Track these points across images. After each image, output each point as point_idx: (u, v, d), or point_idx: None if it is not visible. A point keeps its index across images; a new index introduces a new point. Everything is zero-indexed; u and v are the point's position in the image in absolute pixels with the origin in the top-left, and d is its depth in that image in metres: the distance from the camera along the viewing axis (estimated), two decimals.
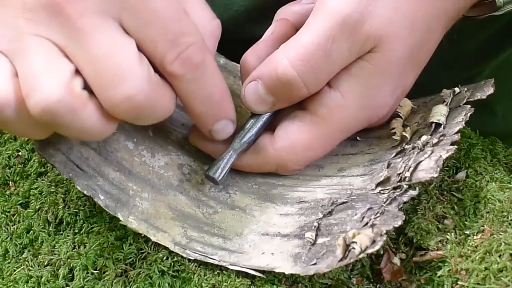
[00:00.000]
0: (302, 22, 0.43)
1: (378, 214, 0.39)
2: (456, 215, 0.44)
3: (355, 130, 0.46)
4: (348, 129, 0.45)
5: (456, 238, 0.42)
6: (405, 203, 0.41)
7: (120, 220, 0.42)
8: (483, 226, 0.42)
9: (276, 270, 0.40)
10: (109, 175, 0.44)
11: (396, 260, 0.42)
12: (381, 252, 0.42)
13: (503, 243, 0.40)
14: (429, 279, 0.41)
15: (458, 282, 0.39)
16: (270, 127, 0.46)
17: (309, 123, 0.44)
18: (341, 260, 0.38)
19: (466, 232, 0.42)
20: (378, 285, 0.42)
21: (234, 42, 0.49)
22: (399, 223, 0.38)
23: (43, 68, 0.36)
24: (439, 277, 0.40)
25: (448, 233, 0.42)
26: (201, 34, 0.39)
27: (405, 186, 0.41)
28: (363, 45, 0.42)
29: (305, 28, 0.42)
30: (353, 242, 0.37)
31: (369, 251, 0.37)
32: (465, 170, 0.47)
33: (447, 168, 0.47)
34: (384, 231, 0.37)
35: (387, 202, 0.40)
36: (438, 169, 0.40)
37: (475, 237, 0.42)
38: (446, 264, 0.41)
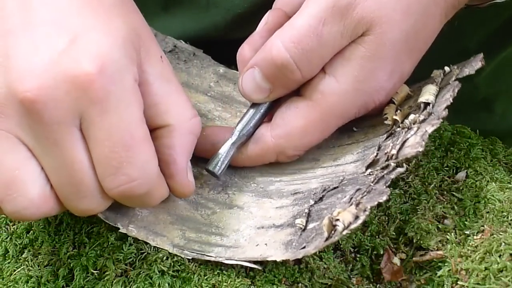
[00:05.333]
0: (296, 10, 0.43)
1: (365, 193, 0.39)
2: (456, 215, 0.44)
3: (352, 116, 0.45)
4: (344, 114, 0.45)
5: (456, 238, 0.42)
6: (400, 191, 0.41)
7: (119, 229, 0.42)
8: (483, 226, 0.42)
9: (269, 259, 0.40)
10: None
11: (396, 260, 0.42)
12: (381, 252, 0.42)
13: (503, 243, 0.40)
14: (429, 279, 0.41)
15: (458, 282, 0.39)
16: (267, 116, 0.46)
17: (305, 108, 0.44)
18: (327, 239, 0.37)
19: (466, 232, 0.42)
20: (378, 285, 0.42)
21: (237, 42, 0.49)
22: (384, 198, 0.38)
23: (14, 175, 0.37)
24: (439, 277, 0.40)
25: (448, 233, 0.42)
26: (155, 164, 0.39)
27: (393, 164, 0.41)
28: (355, 28, 0.42)
29: (298, 12, 0.43)
30: (337, 219, 0.37)
31: (352, 226, 0.37)
32: (465, 170, 0.47)
33: (447, 168, 0.47)
34: (368, 207, 0.37)
35: (375, 181, 0.40)
36: (424, 143, 0.40)
37: (475, 237, 0.42)
38: (446, 264, 0.41)
